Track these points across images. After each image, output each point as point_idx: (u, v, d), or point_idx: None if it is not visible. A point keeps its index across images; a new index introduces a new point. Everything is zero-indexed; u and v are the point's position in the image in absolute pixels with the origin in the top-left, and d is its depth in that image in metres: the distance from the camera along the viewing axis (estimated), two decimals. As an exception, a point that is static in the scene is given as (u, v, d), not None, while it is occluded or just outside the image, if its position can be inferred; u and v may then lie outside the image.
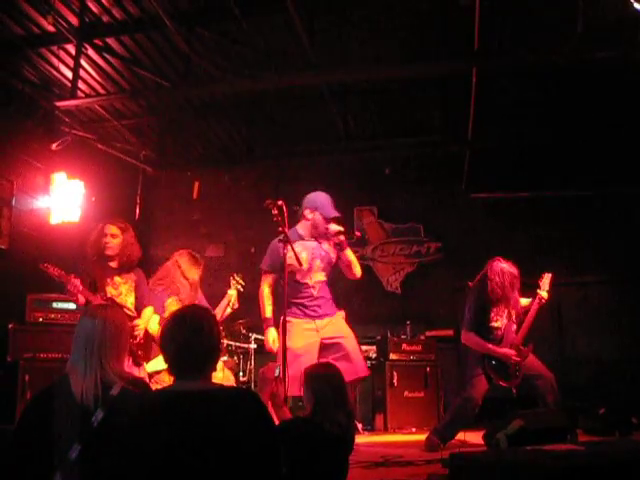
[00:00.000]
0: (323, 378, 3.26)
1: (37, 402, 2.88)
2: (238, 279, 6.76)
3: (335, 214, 5.15)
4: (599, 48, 6.37)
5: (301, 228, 5.28)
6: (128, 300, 5.39)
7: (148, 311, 5.52)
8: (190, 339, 2.45)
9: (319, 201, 5.24)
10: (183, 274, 6.07)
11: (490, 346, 5.72)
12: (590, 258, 9.04)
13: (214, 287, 7.88)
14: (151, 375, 5.51)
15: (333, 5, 6.67)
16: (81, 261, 5.36)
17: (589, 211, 9.11)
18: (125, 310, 5.17)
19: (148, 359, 5.47)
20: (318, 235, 5.20)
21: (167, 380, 5.14)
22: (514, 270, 5.80)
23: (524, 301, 6.01)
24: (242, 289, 6.76)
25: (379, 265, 9.86)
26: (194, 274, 6.16)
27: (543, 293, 5.95)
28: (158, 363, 5.42)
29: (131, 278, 5.52)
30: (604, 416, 5.70)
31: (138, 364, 5.32)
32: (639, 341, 8.60)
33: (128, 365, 5.15)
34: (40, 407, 2.81)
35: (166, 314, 5.58)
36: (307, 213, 5.24)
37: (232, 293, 6.52)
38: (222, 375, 6.29)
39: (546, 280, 6.11)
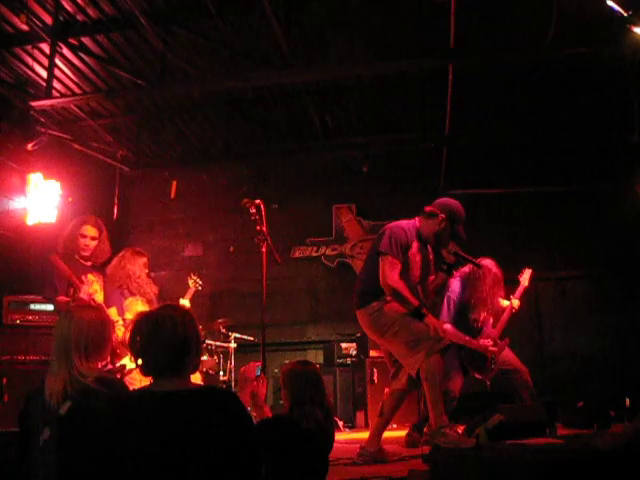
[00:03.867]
0: (300, 375, 3.27)
1: (24, 404, 2.94)
2: (195, 279, 6.95)
3: (464, 238, 4.95)
4: (574, 45, 6.42)
5: (424, 227, 4.98)
6: (99, 298, 5.40)
7: (113, 311, 5.51)
8: (150, 338, 2.43)
9: (459, 217, 4.93)
10: (128, 272, 5.83)
11: (468, 338, 5.77)
12: (568, 253, 9.11)
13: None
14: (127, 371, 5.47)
15: (309, 4, 6.66)
16: (52, 257, 5.22)
17: (566, 207, 9.18)
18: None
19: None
20: (434, 242, 5.00)
21: (138, 378, 5.12)
22: (499, 271, 5.88)
23: (503, 302, 6.09)
24: (200, 288, 6.97)
25: (358, 262, 9.85)
26: (137, 268, 5.92)
27: (515, 302, 6.04)
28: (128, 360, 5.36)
29: (100, 277, 5.55)
30: (583, 409, 5.75)
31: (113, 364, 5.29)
32: (617, 335, 8.69)
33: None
34: (24, 409, 2.87)
35: (127, 315, 5.57)
36: (441, 219, 4.89)
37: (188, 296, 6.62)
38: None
39: (526, 275, 6.22)
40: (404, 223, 4.97)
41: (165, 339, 2.42)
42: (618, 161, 8.54)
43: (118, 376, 4.99)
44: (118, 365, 5.21)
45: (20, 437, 2.83)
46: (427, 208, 4.98)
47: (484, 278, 5.81)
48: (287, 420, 3.16)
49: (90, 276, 5.44)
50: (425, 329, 4.61)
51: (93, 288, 5.39)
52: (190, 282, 6.95)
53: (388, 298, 4.77)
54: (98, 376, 2.86)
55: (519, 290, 6.14)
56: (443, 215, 4.87)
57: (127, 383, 5.31)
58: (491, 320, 5.99)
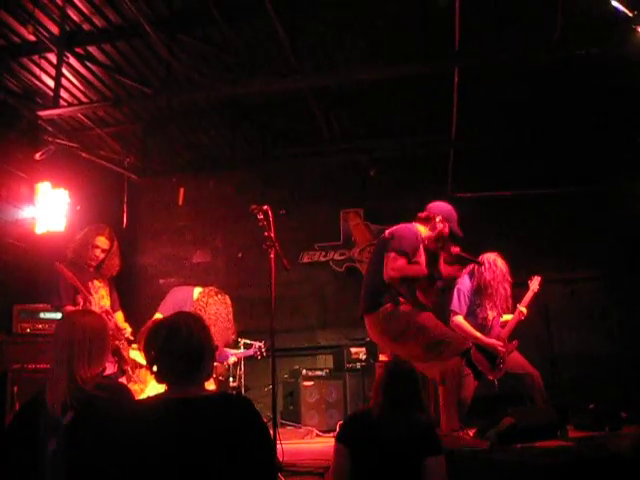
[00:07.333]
0: (389, 373, 3.33)
1: (20, 412, 2.92)
2: (263, 352, 7.61)
3: (461, 234, 5.24)
4: (579, 46, 6.40)
5: (424, 231, 5.27)
6: (106, 303, 5.40)
7: (119, 316, 5.54)
8: (166, 345, 2.44)
9: (453, 217, 5.26)
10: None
11: (478, 335, 5.78)
12: (577, 255, 9.07)
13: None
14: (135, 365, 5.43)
15: (314, 9, 6.67)
16: (57, 265, 5.15)
17: (574, 208, 9.14)
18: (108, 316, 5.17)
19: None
20: (435, 245, 5.22)
21: (147, 378, 5.11)
22: (505, 266, 5.90)
23: (506, 317, 6.09)
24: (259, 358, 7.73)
25: (366, 267, 9.83)
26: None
27: (522, 309, 6.04)
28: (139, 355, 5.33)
29: (105, 282, 5.57)
30: (594, 411, 5.73)
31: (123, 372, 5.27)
32: (627, 336, 8.65)
33: (114, 372, 5.13)
34: (22, 417, 2.85)
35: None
36: (438, 221, 5.22)
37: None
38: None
39: (535, 282, 6.20)
40: (412, 226, 5.07)
41: (181, 346, 2.43)
42: (628, 161, 8.50)
43: (121, 380, 4.98)
44: (116, 371, 5.20)
45: (23, 444, 2.77)
46: (421, 214, 5.27)
47: (489, 272, 5.84)
48: (365, 414, 3.36)
49: (96, 282, 5.45)
50: (445, 331, 4.63)
51: (100, 294, 5.40)
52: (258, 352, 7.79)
53: (401, 299, 4.78)
54: (99, 382, 2.84)
55: (527, 297, 6.14)
56: (440, 216, 5.13)
57: (135, 381, 5.34)
58: (501, 320, 6.00)
